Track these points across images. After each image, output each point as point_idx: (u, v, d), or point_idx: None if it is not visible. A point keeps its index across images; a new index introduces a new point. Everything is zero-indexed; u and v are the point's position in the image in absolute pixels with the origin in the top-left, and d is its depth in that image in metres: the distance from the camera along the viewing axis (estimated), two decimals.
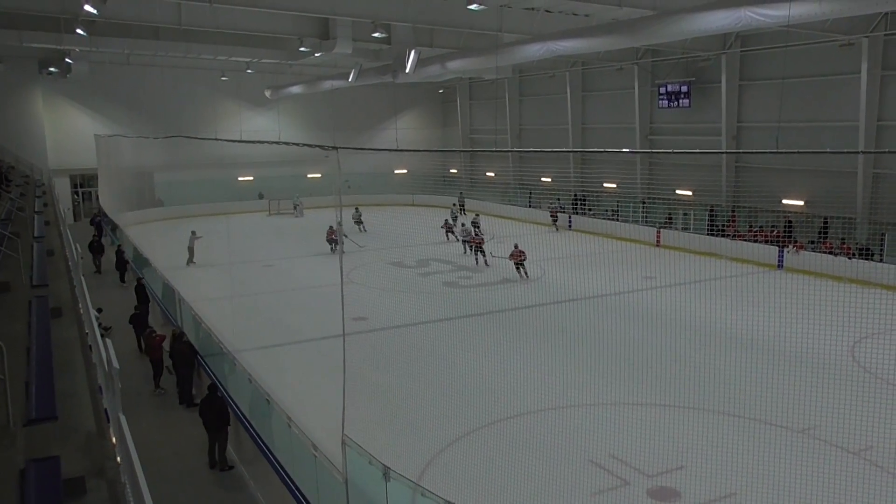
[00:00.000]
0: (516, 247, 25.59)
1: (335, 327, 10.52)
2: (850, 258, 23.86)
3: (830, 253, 24.67)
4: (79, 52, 35.94)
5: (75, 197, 45.87)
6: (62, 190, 41.98)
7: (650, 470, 11.25)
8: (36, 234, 17.50)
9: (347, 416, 9.51)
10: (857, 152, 29.99)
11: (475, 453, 11.77)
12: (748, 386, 13.90)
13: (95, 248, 29.71)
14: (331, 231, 31.16)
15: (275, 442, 11.42)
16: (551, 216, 36.80)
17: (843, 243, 25.20)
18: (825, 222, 26.84)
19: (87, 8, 19.66)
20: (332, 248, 30.84)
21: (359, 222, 34.68)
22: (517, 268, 25.32)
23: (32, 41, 29.75)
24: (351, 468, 9.17)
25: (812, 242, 26.38)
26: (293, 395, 13.60)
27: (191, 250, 29.35)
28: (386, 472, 8.44)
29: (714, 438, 12.00)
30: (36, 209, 23.79)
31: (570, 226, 36.76)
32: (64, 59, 37.84)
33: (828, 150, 21.26)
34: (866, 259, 23.55)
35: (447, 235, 33.05)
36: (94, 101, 43.94)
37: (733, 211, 30.84)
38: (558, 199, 39.82)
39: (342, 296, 9.83)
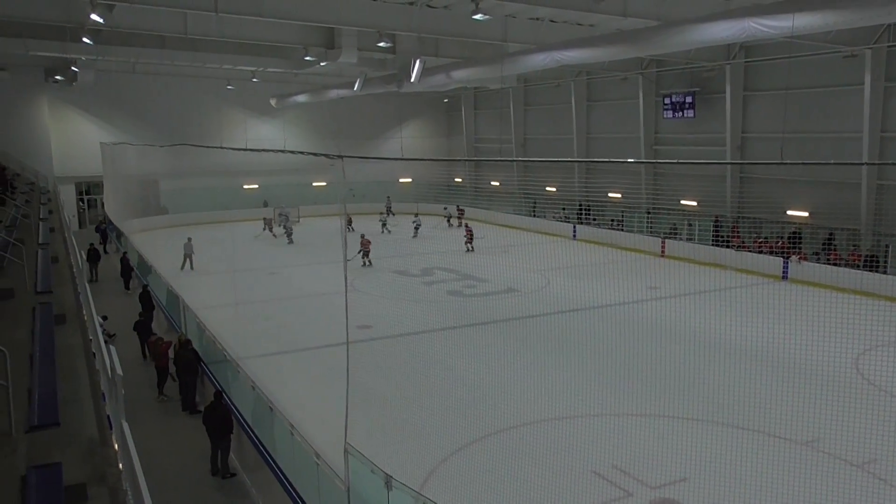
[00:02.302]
0: (363, 237, 30.66)
1: (339, 335, 10.54)
2: (858, 268, 23.84)
3: (836, 264, 24.62)
4: (85, 61, 36.11)
5: (80, 204, 45.97)
6: (67, 197, 42.05)
7: (653, 481, 11.21)
8: (40, 241, 17.56)
9: (350, 424, 9.50)
10: (861, 164, 29.87)
11: (478, 463, 11.74)
12: (752, 397, 13.84)
13: (92, 257, 29.63)
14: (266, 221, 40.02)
15: (277, 449, 11.40)
16: (458, 210, 43.05)
17: (853, 252, 25.16)
18: (830, 234, 26.79)
19: (94, 17, 19.75)
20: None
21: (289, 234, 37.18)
22: (364, 255, 30.11)
23: (39, 50, 29.90)
24: (353, 477, 9.15)
25: (816, 254, 26.34)
26: (296, 403, 13.59)
27: (188, 257, 29.46)
28: (388, 481, 8.42)
29: (717, 450, 11.95)
30: (41, 216, 23.86)
31: (574, 235, 36.78)
32: (70, 68, 38.03)
33: (832, 161, 21.33)
34: (871, 271, 23.47)
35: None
36: (100, 109, 44.14)
37: (735, 223, 30.79)
38: (563, 209, 39.87)
39: (346, 304, 9.85)
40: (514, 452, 12.13)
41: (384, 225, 40.35)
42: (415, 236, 37.87)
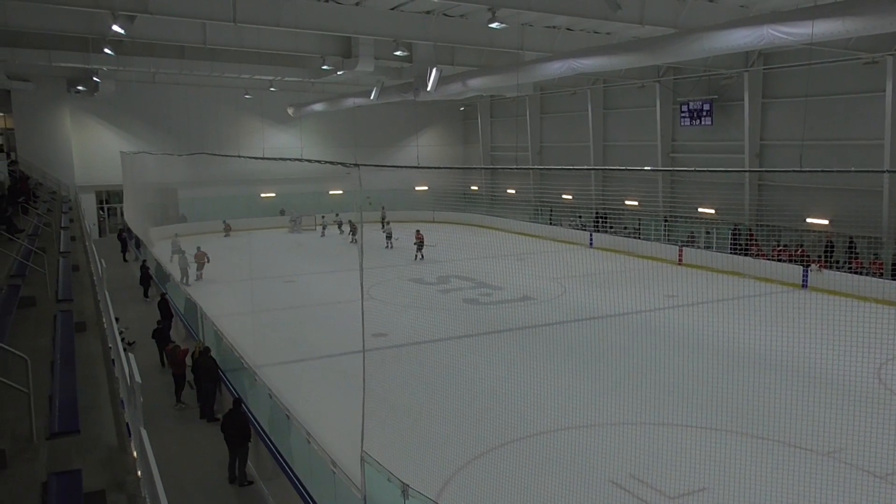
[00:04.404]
0: (199, 249, 29.86)
1: (355, 343, 10.56)
2: (881, 276, 23.58)
3: (859, 273, 24.34)
4: (106, 71, 36.61)
5: (101, 213, 46.48)
6: (88, 206, 42.54)
7: (672, 491, 11.11)
8: (62, 250, 17.73)
9: (366, 432, 9.51)
10: (883, 171, 29.65)
11: (494, 472, 11.69)
12: (772, 407, 13.70)
13: None
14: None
15: (294, 457, 11.43)
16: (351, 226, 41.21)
17: (875, 260, 24.87)
18: (851, 241, 26.51)
19: (115, 28, 20.01)
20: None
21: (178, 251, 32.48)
22: (198, 268, 29.61)
23: (61, 61, 30.36)
24: (370, 485, 9.16)
25: (836, 262, 26.04)
26: (312, 411, 13.62)
27: (184, 270, 28.84)
28: (405, 490, 8.41)
29: (737, 460, 11.82)
30: (62, 225, 24.10)
31: (591, 243, 36.64)
32: (92, 78, 38.56)
33: (852, 168, 21.06)
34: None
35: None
36: (121, 118, 44.67)
37: (751, 231, 30.54)
38: (580, 217, 39.75)
39: (363, 312, 9.86)
40: (531, 461, 12.06)
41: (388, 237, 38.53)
42: (388, 247, 37.05)
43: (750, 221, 31.22)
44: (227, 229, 42.81)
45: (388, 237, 37.65)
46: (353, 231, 40.31)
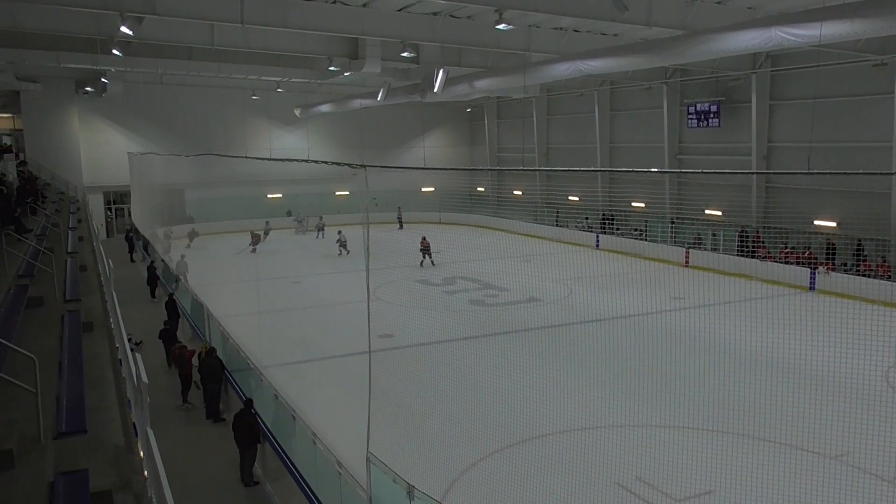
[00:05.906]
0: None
1: (361, 344, 10.57)
2: (889, 279, 23.48)
3: (866, 275, 24.24)
4: (114, 72, 36.74)
5: (108, 213, 46.64)
6: (96, 206, 42.73)
7: (678, 494, 11.07)
8: (69, 250, 17.80)
9: (372, 433, 9.52)
10: (891, 174, 29.49)
11: (500, 473, 11.68)
12: (779, 410, 13.63)
13: None
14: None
15: (299, 458, 11.44)
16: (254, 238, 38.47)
17: (882, 264, 24.76)
18: (859, 244, 26.41)
19: (123, 29, 20.07)
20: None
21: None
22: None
23: (70, 62, 30.46)
24: (375, 486, 9.16)
25: (844, 265, 25.94)
26: (318, 412, 13.63)
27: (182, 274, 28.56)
28: (410, 491, 8.41)
29: (743, 463, 11.77)
30: (70, 225, 24.21)
31: (597, 245, 36.58)
32: (100, 79, 38.67)
33: (860, 171, 20.93)
34: None
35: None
36: (129, 119, 44.82)
37: (758, 233, 30.44)
38: (586, 219, 39.69)
39: (368, 313, 9.87)
40: (537, 463, 12.04)
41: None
42: (346, 253, 34.95)
43: (757, 223, 31.11)
44: (193, 235, 39.41)
45: (342, 245, 35.37)
46: (255, 241, 37.51)
